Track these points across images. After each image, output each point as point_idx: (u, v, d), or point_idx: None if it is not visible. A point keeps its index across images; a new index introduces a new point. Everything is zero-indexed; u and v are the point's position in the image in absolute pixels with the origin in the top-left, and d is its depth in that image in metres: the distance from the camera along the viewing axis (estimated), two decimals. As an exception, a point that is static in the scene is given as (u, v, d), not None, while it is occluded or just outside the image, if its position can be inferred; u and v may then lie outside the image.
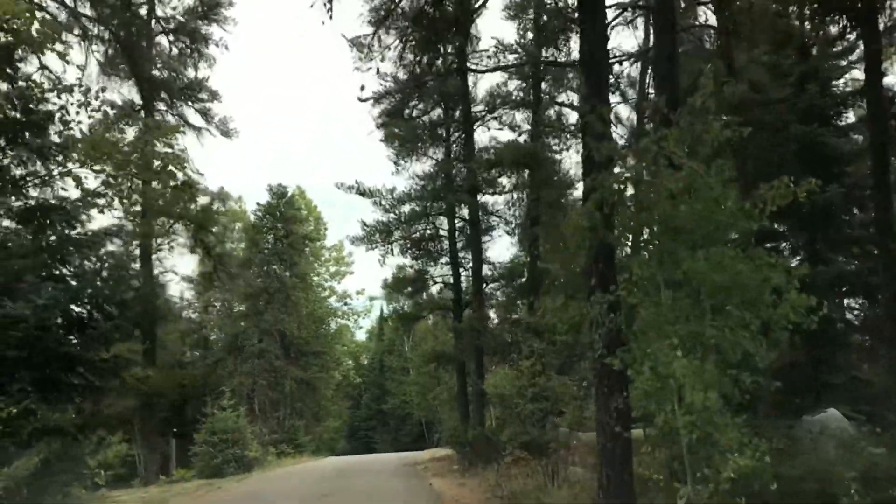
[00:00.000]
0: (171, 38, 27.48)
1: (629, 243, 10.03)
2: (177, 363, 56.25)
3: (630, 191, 9.83)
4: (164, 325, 31.10)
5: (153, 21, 26.87)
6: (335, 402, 58.35)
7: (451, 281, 26.85)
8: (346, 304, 54.77)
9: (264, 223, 49.36)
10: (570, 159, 25.89)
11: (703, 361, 8.41)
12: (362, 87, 38.91)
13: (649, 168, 9.36)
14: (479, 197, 25.22)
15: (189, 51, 27.34)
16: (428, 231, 27.09)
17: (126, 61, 24.62)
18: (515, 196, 25.30)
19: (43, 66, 12.59)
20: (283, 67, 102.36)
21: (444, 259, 27.25)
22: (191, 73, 27.08)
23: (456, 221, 26.70)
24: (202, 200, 29.21)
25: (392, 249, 27.01)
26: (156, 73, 26.84)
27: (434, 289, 28.49)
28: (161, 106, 26.15)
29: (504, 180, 25.02)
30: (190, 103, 26.98)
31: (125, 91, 25.18)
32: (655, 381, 8.99)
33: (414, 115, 24.67)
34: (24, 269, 9.70)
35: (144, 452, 28.03)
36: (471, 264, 26.15)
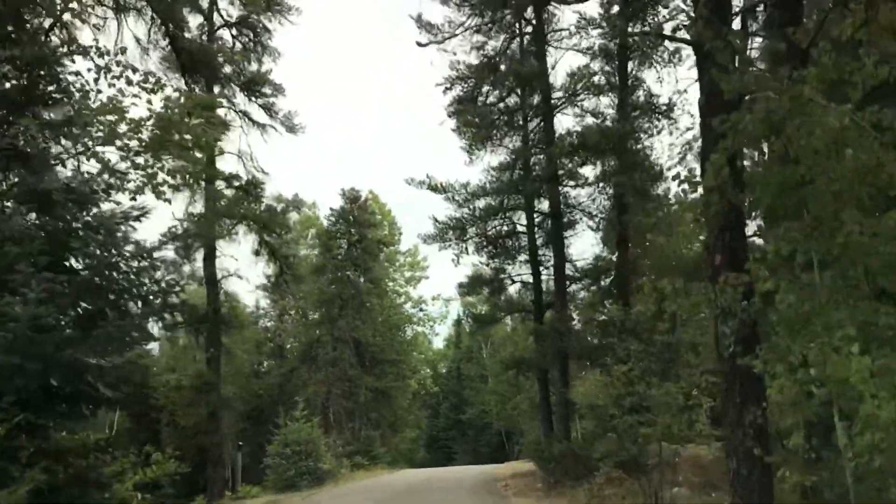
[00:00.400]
0: (234, 31, 26.42)
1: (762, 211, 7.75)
2: (252, 372, 56.13)
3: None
4: (231, 333, 29.89)
5: (214, 13, 25.86)
6: (412, 412, 56.74)
7: (531, 280, 24.69)
8: (421, 310, 53.20)
9: (337, 228, 48.21)
10: (661, 143, 23.10)
11: (888, 360, 6.11)
12: (431, 63, 37.39)
13: (797, 110, 7.09)
14: (560, 188, 22.98)
15: (252, 44, 26.18)
16: (505, 227, 25.04)
17: (166, 36, 23.12)
18: (600, 186, 22.91)
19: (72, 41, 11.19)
20: (341, 59, 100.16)
21: (523, 257, 25.08)
22: (254, 66, 25.88)
23: (535, 216, 24.56)
24: (277, 206, 28.06)
25: (466, 248, 25.09)
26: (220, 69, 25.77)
27: (512, 289, 26.36)
28: (224, 102, 24.93)
29: (587, 170, 22.78)
30: (253, 98, 25.79)
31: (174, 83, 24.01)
32: (804, 386, 6.77)
33: (488, 101, 22.70)
34: (20, 257, 8.16)
35: (210, 467, 26.80)
36: (552, 262, 23.93)
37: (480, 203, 24.11)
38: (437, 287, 72.80)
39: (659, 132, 21.09)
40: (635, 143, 20.01)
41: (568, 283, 23.48)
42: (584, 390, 14.37)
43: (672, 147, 20.33)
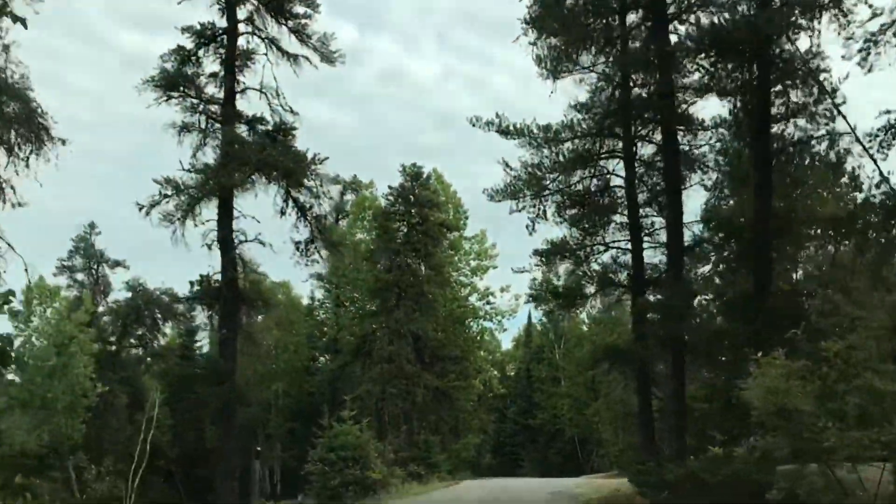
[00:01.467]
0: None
1: None
2: (304, 368, 51.65)
3: None
4: (253, 313, 25.04)
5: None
6: (476, 416, 51.24)
7: (629, 247, 19.03)
8: (488, 302, 47.66)
9: (396, 209, 43.25)
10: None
11: None
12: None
13: None
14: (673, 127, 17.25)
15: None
16: (595, 181, 19.43)
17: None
18: (729, 120, 16.96)
19: None
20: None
21: (619, 219, 19.41)
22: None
23: (636, 166, 18.88)
24: (333, 189, 23.36)
25: (544, 209, 19.57)
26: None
27: (605, 256, 20.42)
28: (244, 28, 20.04)
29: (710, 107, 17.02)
30: (282, 20, 20.82)
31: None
32: None
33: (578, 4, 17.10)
34: None
35: (218, 479, 22.02)
36: (656, 224, 18.26)
37: (564, 148, 18.55)
38: (506, 278, 66.89)
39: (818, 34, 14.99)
40: (789, 43, 14.12)
41: (688, 249, 17.63)
42: (764, 382, 8.82)
43: (849, 42, 14.23)
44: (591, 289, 20.34)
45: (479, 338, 49.62)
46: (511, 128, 18.94)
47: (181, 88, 21.15)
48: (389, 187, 43.45)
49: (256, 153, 18.66)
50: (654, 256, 19.54)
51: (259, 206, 37.83)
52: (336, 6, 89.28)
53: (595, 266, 20.12)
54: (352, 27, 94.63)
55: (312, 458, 27.22)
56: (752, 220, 15.89)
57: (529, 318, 74.04)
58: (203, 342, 39.06)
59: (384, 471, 32.12)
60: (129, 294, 32.26)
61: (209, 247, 21.76)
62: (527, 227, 19.71)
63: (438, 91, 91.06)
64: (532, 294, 21.53)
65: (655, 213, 18.77)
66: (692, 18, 16.33)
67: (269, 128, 20.23)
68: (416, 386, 40.46)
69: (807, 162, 15.65)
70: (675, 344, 16.07)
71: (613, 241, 19.73)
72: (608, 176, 19.48)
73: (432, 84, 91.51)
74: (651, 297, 18.34)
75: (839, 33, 14.23)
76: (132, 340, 34.30)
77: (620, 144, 18.65)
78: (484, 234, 48.95)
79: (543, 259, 19.90)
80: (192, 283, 22.84)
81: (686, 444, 15.89)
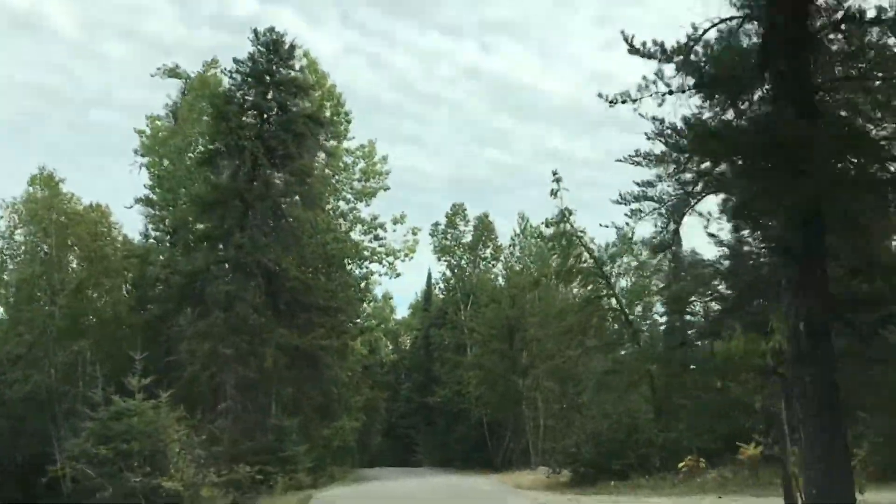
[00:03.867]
0: None
1: None
2: (115, 320, 37.64)
3: None
4: None
5: None
6: (357, 390, 38.72)
7: None
8: (376, 237, 35.17)
9: (241, 91, 30.05)
10: None
11: None
12: None
13: None
14: None
15: None
16: None
17: None
18: None
19: None
20: None
21: None
22: None
23: None
24: None
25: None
26: None
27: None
28: None
29: None
30: None
31: None
32: None
33: None
34: None
35: None
36: None
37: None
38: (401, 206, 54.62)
39: None
40: None
41: None
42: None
43: None
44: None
45: (362, 285, 36.86)
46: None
47: None
48: (235, 61, 30.10)
49: None
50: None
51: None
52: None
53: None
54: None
55: (70, 451, 19.60)
56: None
57: (429, 278, 61.98)
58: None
59: (189, 476, 20.08)
60: None
61: None
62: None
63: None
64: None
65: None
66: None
67: None
68: (266, 345, 27.63)
69: None
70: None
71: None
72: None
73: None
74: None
75: None
76: None
77: None
78: (373, 147, 36.26)
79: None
80: None
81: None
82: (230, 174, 29.24)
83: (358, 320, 38.19)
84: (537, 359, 38.18)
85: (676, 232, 11.09)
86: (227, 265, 28.92)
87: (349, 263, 35.22)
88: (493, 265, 48.05)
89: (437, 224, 48.64)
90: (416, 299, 74.99)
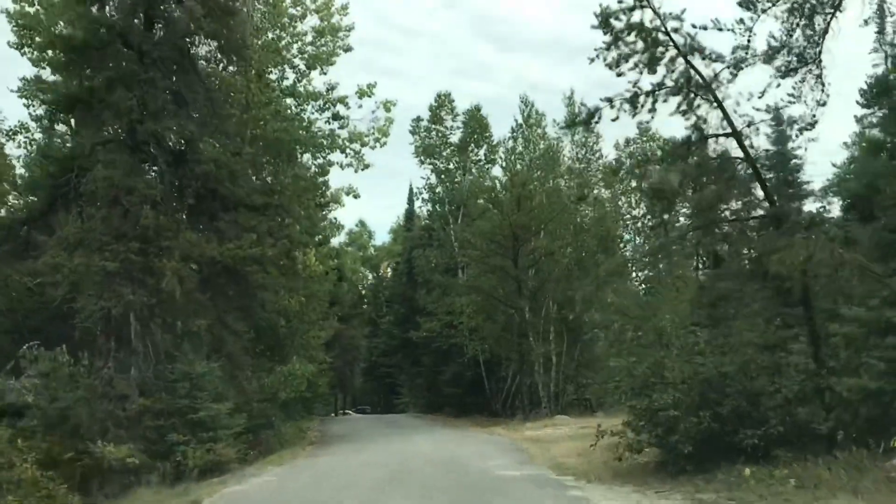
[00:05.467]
0: None
1: None
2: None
3: None
4: None
5: None
6: (313, 323, 29.79)
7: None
8: (336, 116, 25.52)
9: None
10: None
11: None
12: None
13: None
14: None
15: None
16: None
17: None
18: None
19: None
20: None
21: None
22: None
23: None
24: None
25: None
26: None
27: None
28: None
29: None
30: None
31: None
32: None
33: None
34: None
35: None
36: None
37: None
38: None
39: None
40: None
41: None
42: None
43: None
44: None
45: (319, 178, 27.29)
46: None
47: None
48: None
49: None
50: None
51: None
52: None
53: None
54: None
55: None
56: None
57: (411, 192, 52.80)
58: None
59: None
60: None
61: None
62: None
63: None
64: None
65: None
66: None
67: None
68: (166, 256, 18.61)
69: None
70: None
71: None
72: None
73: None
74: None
75: None
76: None
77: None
78: (329, -6, 26.41)
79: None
80: None
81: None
82: (114, 5, 19.81)
83: (318, 235, 29.12)
84: (548, 279, 29.59)
85: None
86: (107, 145, 19.65)
87: (300, 151, 25.81)
88: (488, 169, 38.87)
89: (418, 119, 39.29)
90: (398, 222, 66.00)
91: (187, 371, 18.42)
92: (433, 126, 39.70)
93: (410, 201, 53.98)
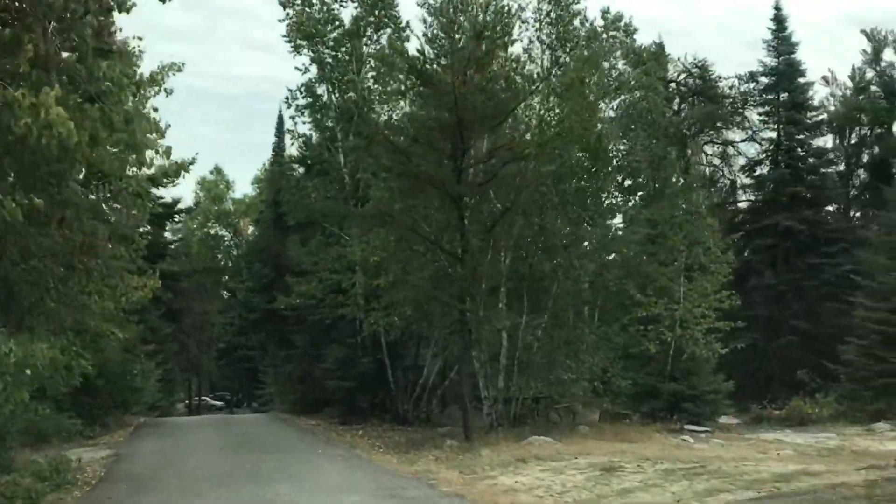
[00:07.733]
0: None
1: None
2: None
3: None
4: None
5: None
6: (113, 275, 16.35)
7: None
8: None
9: None
10: None
11: None
12: None
13: None
14: None
15: None
16: None
17: None
18: None
19: None
20: None
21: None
22: None
23: None
24: None
25: None
26: None
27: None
28: None
29: None
30: None
31: None
32: None
33: None
34: None
35: None
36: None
37: None
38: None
39: None
40: None
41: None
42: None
43: None
44: None
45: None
46: None
47: None
48: None
49: None
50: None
51: None
52: None
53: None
54: None
55: None
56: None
57: (280, 120, 39.52)
58: None
59: None
60: None
61: None
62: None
63: None
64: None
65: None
66: None
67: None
68: None
69: None
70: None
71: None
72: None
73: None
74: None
75: None
76: None
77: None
78: None
79: None
80: None
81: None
82: None
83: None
84: (513, 203, 17.55)
85: None
86: None
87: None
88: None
89: (294, -10, 26.03)
90: (264, 169, 52.04)
91: None
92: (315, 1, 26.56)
93: (280, 131, 40.72)
